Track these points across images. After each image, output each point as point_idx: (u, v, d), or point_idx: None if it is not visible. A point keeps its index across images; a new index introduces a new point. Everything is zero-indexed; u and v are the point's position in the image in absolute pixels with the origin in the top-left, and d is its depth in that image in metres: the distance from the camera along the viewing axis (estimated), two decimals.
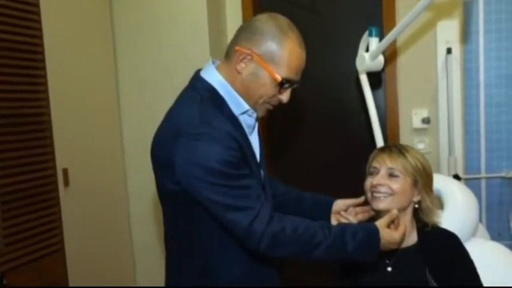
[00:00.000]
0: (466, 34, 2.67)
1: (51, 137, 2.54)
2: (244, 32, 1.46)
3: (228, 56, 1.50)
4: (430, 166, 1.64)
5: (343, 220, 1.66)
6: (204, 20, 2.91)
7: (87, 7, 2.87)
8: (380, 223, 1.48)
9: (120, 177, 3.12)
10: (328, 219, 1.69)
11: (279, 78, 1.42)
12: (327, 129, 3.06)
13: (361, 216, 1.69)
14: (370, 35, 2.30)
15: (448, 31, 2.69)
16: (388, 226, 1.50)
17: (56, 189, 2.57)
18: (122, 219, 3.13)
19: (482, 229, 2.21)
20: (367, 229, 1.46)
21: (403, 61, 2.83)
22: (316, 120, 3.07)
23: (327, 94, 3.02)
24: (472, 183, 2.62)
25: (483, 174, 2.69)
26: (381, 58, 2.31)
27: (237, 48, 1.44)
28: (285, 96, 1.49)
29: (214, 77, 1.49)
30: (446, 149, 2.67)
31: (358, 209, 1.71)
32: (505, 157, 2.66)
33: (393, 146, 1.64)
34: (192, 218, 1.48)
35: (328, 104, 3.03)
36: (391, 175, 1.58)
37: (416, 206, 1.62)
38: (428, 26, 2.72)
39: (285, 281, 1.69)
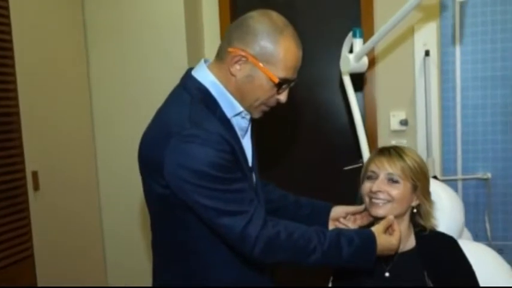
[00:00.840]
0: (443, 37, 2.69)
1: (20, 138, 2.43)
2: (237, 31, 1.38)
3: (220, 57, 1.43)
4: (427, 168, 1.62)
5: (342, 227, 1.62)
6: (180, 16, 2.84)
7: (58, 4, 2.75)
8: (377, 229, 1.46)
9: (92, 180, 3.02)
10: (326, 226, 1.65)
11: (276, 79, 1.36)
12: (306, 129, 3.04)
13: (360, 222, 1.66)
14: (354, 36, 2.27)
15: (425, 34, 2.70)
16: (385, 232, 1.49)
17: (25, 193, 2.46)
18: (94, 225, 3.02)
19: (465, 231, 2.22)
20: (364, 235, 1.44)
21: (381, 63, 2.84)
22: (293, 122, 3.05)
23: (304, 95, 2.99)
24: (448, 185, 2.62)
25: (459, 176, 2.72)
26: (365, 59, 2.29)
27: (230, 49, 1.37)
28: (283, 96, 1.44)
29: (206, 77, 1.42)
30: (424, 151, 2.68)
31: (358, 215, 1.68)
32: (481, 158, 2.70)
33: (392, 148, 1.61)
34: (181, 224, 1.42)
35: (306, 105, 3.00)
36: (391, 180, 1.55)
37: (415, 210, 1.60)
38: (406, 29, 2.72)
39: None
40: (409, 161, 1.56)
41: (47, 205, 2.58)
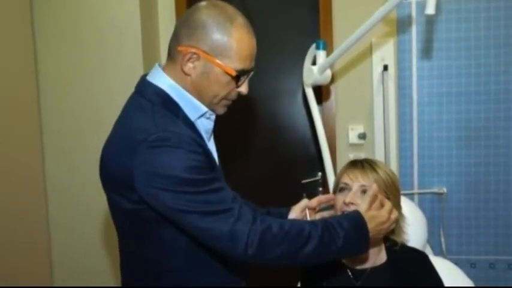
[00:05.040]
0: (401, 52, 2.72)
1: None
2: (185, 27, 1.30)
3: (171, 57, 1.35)
4: (399, 181, 1.60)
5: None
6: (136, 18, 2.73)
7: (6, 6, 2.60)
8: (361, 208, 1.39)
9: (40, 192, 2.85)
10: None
11: (233, 72, 1.30)
12: (264, 140, 3.00)
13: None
14: (318, 48, 2.25)
15: (384, 48, 2.72)
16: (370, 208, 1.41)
17: None
18: (40, 225, 2.85)
19: (427, 246, 2.23)
20: (350, 217, 1.36)
21: (340, 76, 2.83)
22: (252, 132, 3.00)
23: (265, 106, 2.96)
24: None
25: (416, 190, 2.74)
26: (329, 72, 2.28)
27: (180, 48, 1.30)
28: (243, 88, 1.38)
29: (163, 80, 1.35)
30: None
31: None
32: (436, 173, 2.73)
33: (364, 161, 1.58)
34: (154, 240, 1.33)
35: (266, 115, 2.97)
36: (364, 193, 1.50)
37: None
38: (365, 43, 2.73)
39: None
40: (382, 174, 1.53)
41: None
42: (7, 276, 2.52)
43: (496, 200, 2.69)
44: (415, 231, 1.93)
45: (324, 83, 2.31)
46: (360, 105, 2.80)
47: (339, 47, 2.14)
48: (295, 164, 2.95)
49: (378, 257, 1.56)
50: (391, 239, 1.58)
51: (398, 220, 1.57)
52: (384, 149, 2.70)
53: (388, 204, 1.43)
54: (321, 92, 2.82)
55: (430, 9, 1.77)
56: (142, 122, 1.27)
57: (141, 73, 2.67)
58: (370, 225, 1.34)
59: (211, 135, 1.47)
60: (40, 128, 2.84)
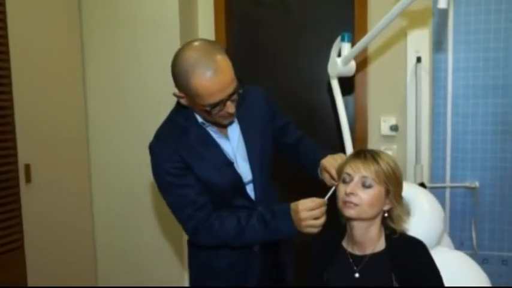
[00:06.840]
0: (436, 44, 2.70)
1: (13, 131, 2.48)
2: (173, 70, 1.61)
3: None
4: (401, 172, 1.63)
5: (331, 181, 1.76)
6: (175, 16, 2.88)
7: (55, 3, 2.81)
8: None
9: (84, 174, 3.07)
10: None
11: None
12: None
13: None
14: (343, 40, 2.30)
15: (418, 40, 2.71)
16: None
17: (17, 186, 2.52)
18: (84, 218, 3.08)
19: (446, 238, 2.23)
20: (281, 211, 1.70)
21: (373, 68, 2.85)
22: None
23: (295, 97, 3.03)
24: (436, 192, 2.63)
25: (448, 183, 2.72)
26: (353, 63, 2.32)
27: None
28: (229, 109, 1.63)
29: None
30: (413, 157, 2.69)
31: None
32: (469, 167, 2.69)
33: (367, 151, 1.63)
34: None
35: (297, 106, 3.03)
36: (364, 185, 1.56)
37: (386, 214, 1.62)
38: (399, 34, 2.74)
39: None
40: (383, 165, 1.57)
41: (38, 197, 2.64)
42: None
43: None
44: (429, 223, 1.96)
45: (348, 74, 2.36)
46: (393, 96, 2.81)
47: (361, 40, 2.17)
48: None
49: (377, 244, 1.62)
50: (390, 227, 1.63)
51: (398, 210, 1.62)
52: (416, 142, 2.69)
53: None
54: (353, 83, 2.85)
55: (443, 3, 1.77)
56: (159, 127, 1.81)
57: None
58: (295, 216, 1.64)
59: (222, 135, 1.79)
60: (86, 118, 3.08)
